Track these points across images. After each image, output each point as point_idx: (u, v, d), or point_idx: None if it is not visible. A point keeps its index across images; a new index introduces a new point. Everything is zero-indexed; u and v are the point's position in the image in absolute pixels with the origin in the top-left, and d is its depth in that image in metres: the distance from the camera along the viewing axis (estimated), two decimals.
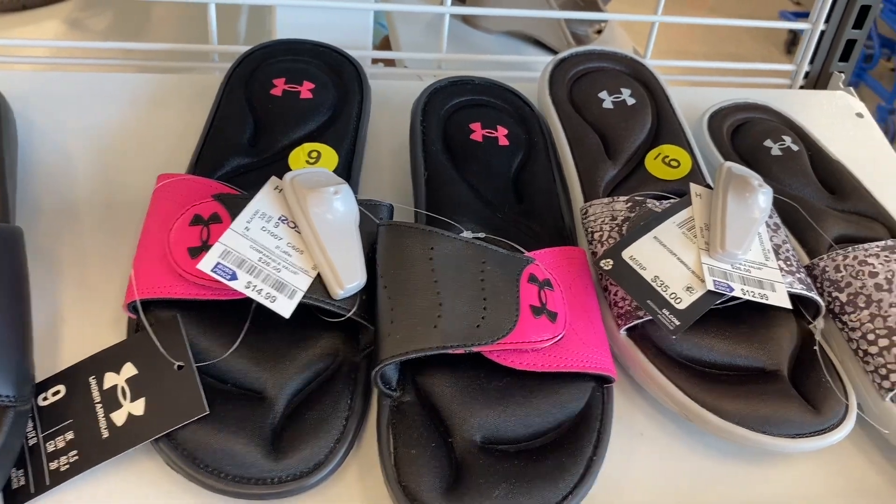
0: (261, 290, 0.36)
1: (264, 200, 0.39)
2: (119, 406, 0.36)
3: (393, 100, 0.56)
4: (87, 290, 0.43)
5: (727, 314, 0.43)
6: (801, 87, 0.69)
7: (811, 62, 0.68)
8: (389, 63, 0.76)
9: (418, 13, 0.79)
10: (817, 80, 0.68)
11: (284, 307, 0.35)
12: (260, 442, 0.35)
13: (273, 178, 0.40)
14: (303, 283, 0.37)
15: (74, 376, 0.38)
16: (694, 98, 0.61)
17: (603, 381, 0.40)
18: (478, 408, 0.37)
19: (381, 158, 0.53)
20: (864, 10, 0.65)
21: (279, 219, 0.39)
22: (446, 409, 0.38)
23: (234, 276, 0.35)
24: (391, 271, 0.38)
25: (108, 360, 0.38)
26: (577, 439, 0.38)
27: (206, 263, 0.35)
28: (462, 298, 0.37)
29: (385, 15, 0.90)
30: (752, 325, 0.43)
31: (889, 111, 2.24)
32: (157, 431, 0.35)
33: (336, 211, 0.39)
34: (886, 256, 0.44)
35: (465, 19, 0.88)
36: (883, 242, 0.44)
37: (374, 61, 0.71)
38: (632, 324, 0.42)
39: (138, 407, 0.36)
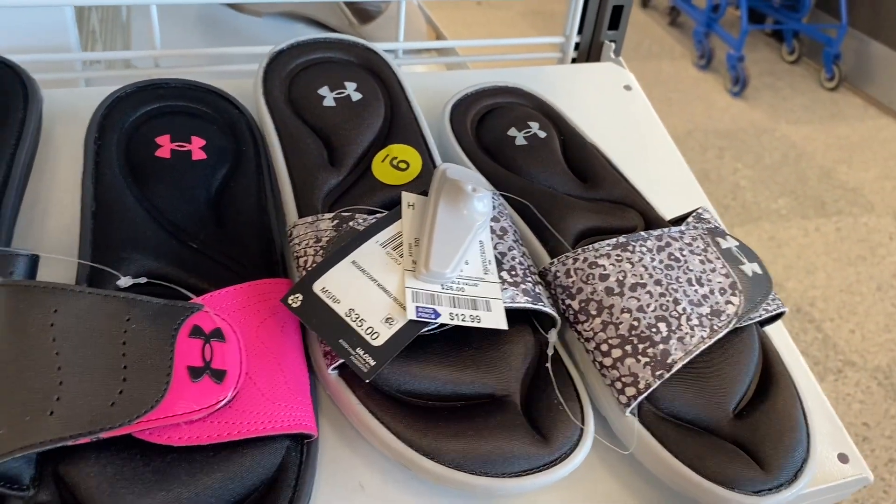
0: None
1: None
2: None
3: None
4: None
5: (451, 337, 0.38)
6: (574, 61, 0.65)
7: (580, 33, 0.64)
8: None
9: (164, 5, 0.70)
10: (589, 53, 0.65)
11: None
12: None
13: None
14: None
15: None
16: (452, 85, 0.55)
17: (304, 437, 0.35)
18: (135, 496, 0.31)
19: (58, 191, 0.44)
20: None
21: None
22: (93, 502, 0.31)
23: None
24: None
25: None
26: None
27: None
28: (93, 372, 0.30)
29: None
30: (480, 347, 0.38)
31: (738, 59, 2.31)
32: None
33: None
34: (618, 256, 0.40)
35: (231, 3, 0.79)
36: (615, 240, 0.40)
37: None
38: (340, 362, 0.36)
39: None
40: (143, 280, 0.35)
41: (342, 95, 0.47)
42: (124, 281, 0.35)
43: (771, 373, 0.40)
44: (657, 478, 0.37)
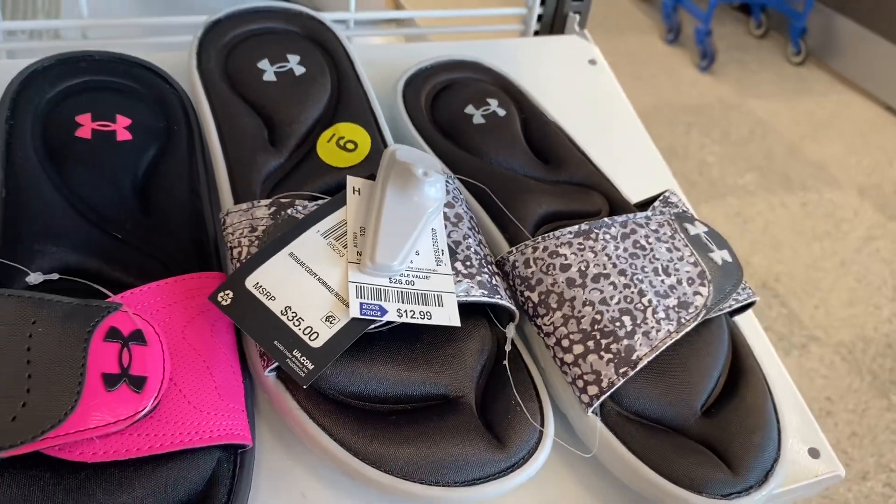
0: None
1: None
2: None
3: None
4: None
5: (401, 333, 0.35)
6: (537, 34, 0.62)
7: (542, 4, 0.60)
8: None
9: None
10: (552, 25, 0.61)
11: None
12: None
13: None
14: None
15: None
16: (406, 58, 0.52)
17: (238, 447, 0.32)
18: None
19: None
20: None
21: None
22: None
23: None
24: None
25: None
26: None
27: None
28: None
29: None
30: (432, 343, 0.35)
31: (706, 33, 2.29)
32: None
33: None
34: (580, 244, 0.37)
35: None
36: (577, 227, 0.38)
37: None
38: (276, 364, 0.33)
39: None
40: (55, 276, 0.32)
41: (284, 69, 0.43)
42: (34, 277, 0.31)
43: (741, 367, 0.38)
44: (622, 480, 0.35)
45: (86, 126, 0.38)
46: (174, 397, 0.30)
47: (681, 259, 0.38)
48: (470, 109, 0.46)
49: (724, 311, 0.39)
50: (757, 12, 2.56)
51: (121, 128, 0.39)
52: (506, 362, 0.35)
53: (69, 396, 0.27)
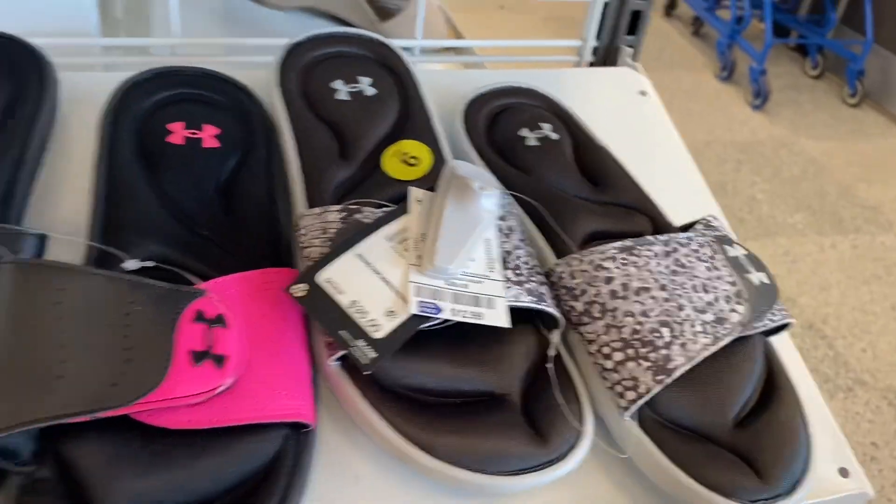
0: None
1: None
2: None
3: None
4: None
5: (452, 333, 0.38)
6: (591, 65, 0.65)
7: (598, 37, 0.64)
8: None
9: None
10: (606, 56, 0.64)
11: None
12: None
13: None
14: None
15: None
16: (466, 83, 0.55)
17: (301, 427, 0.35)
18: (128, 478, 0.31)
19: (73, 174, 0.45)
20: None
21: None
22: (90, 481, 0.31)
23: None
24: (4, 324, 0.31)
25: None
26: (255, 500, 0.32)
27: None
28: (96, 352, 0.31)
29: None
30: (482, 344, 0.38)
31: (760, 72, 2.30)
32: None
33: None
34: (624, 259, 0.40)
35: None
36: (621, 243, 0.40)
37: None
38: (341, 353, 0.36)
39: None
40: (150, 264, 0.35)
41: (356, 90, 0.47)
42: (132, 264, 0.35)
43: (774, 384, 0.40)
44: (654, 483, 0.37)
45: (177, 133, 0.42)
46: (249, 376, 0.33)
47: (719, 278, 0.40)
48: (524, 132, 0.49)
49: (760, 331, 0.41)
50: (813, 53, 2.55)
51: (208, 136, 0.43)
52: (550, 365, 0.38)
53: (160, 368, 0.31)
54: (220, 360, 0.32)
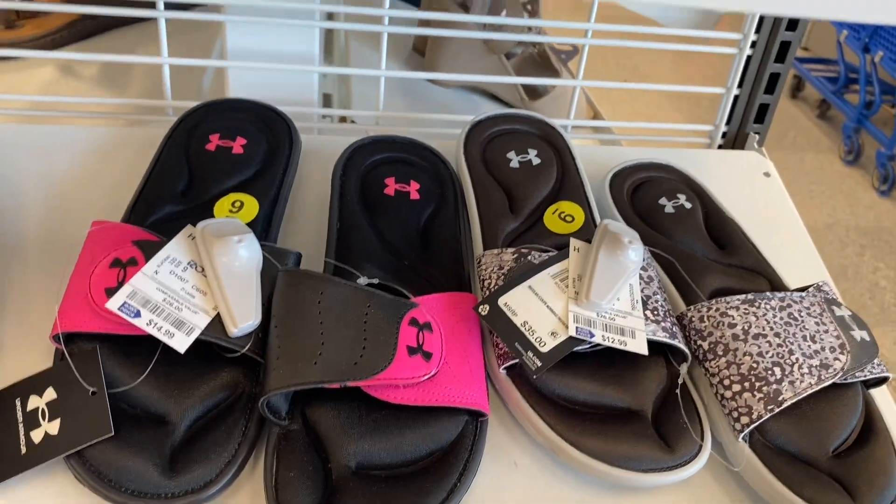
0: (161, 327, 0.41)
1: (177, 246, 0.44)
2: (38, 426, 0.41)
3: (330, 155, 0.62)
4: (27, 322, 0.48)
5: (599, 358, 0.47)
6: (720, 147, 0.74)
7: (728, 123, 0.73)
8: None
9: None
10: (735, 141, 0.73)
11: (180, 343, 0.40)
12: (158, 461, 0.40)
13: (188, 227, 0.45)
14: (201, 321, 0.42)
15: (4, 398, 0.43)
16: (610, 157, 0.66)
17: (478, 416, 0.45)
18: (355, 437, 0.42)
19: (307, 209, 0.58)
20: (774, 77, 0.70)
21: (188, 263, 0.44)
22: (327, 437, 0.42)
23: (137, 314, 0.41)
24: (282, 313, 0.43)
25: (33, 384, 0.43)
26: (443, 467, 0.42)
27: (114, 302, 0.41)
28: (344, 339, 0.42)
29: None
30: (621, 369, 0.47)
31: (888, 157, 2.29)
32: (68, 449, 0.40)
33: (239, 258, 0.44)
34: (745, 309, 0.48)
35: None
36: (744, 296, 0.49)
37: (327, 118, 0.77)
38: (509, 363, 0.47)
39: (54, 427, 0.41)
40: (376, 280, 0.47)
41: (525, 159, 0.59)
42: (362, 280, 0.47)
43: (872, 427, 0.47)
44: (760, 496, 0.45)
45: (390, 187, 0.55)
46: (445, 370, 0.44)
47: (826, 332, 0.48)
48: (663, 201, 0.59)
49: (860, 380, 0.48)
50: None
51: (413, 190, 0.55)
52: (677, 391, 0.47)
53: (388, 356, 0.42)
54: (427, 355, 0.43)
